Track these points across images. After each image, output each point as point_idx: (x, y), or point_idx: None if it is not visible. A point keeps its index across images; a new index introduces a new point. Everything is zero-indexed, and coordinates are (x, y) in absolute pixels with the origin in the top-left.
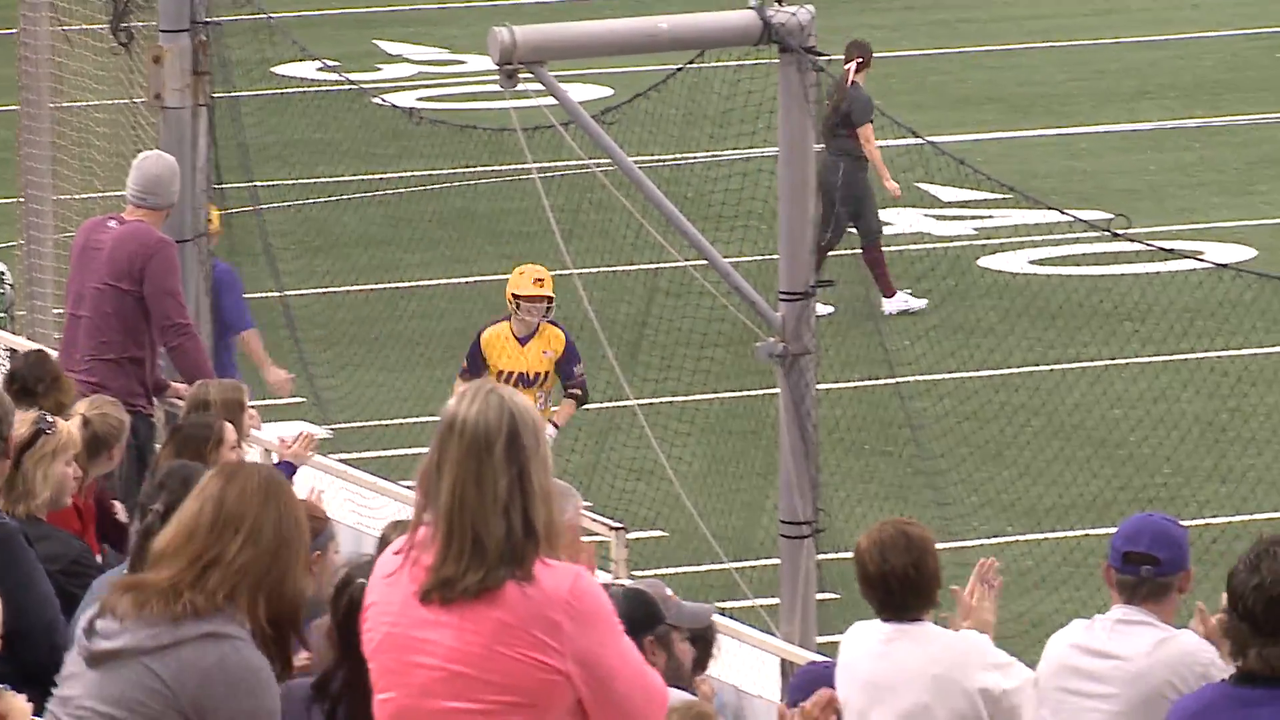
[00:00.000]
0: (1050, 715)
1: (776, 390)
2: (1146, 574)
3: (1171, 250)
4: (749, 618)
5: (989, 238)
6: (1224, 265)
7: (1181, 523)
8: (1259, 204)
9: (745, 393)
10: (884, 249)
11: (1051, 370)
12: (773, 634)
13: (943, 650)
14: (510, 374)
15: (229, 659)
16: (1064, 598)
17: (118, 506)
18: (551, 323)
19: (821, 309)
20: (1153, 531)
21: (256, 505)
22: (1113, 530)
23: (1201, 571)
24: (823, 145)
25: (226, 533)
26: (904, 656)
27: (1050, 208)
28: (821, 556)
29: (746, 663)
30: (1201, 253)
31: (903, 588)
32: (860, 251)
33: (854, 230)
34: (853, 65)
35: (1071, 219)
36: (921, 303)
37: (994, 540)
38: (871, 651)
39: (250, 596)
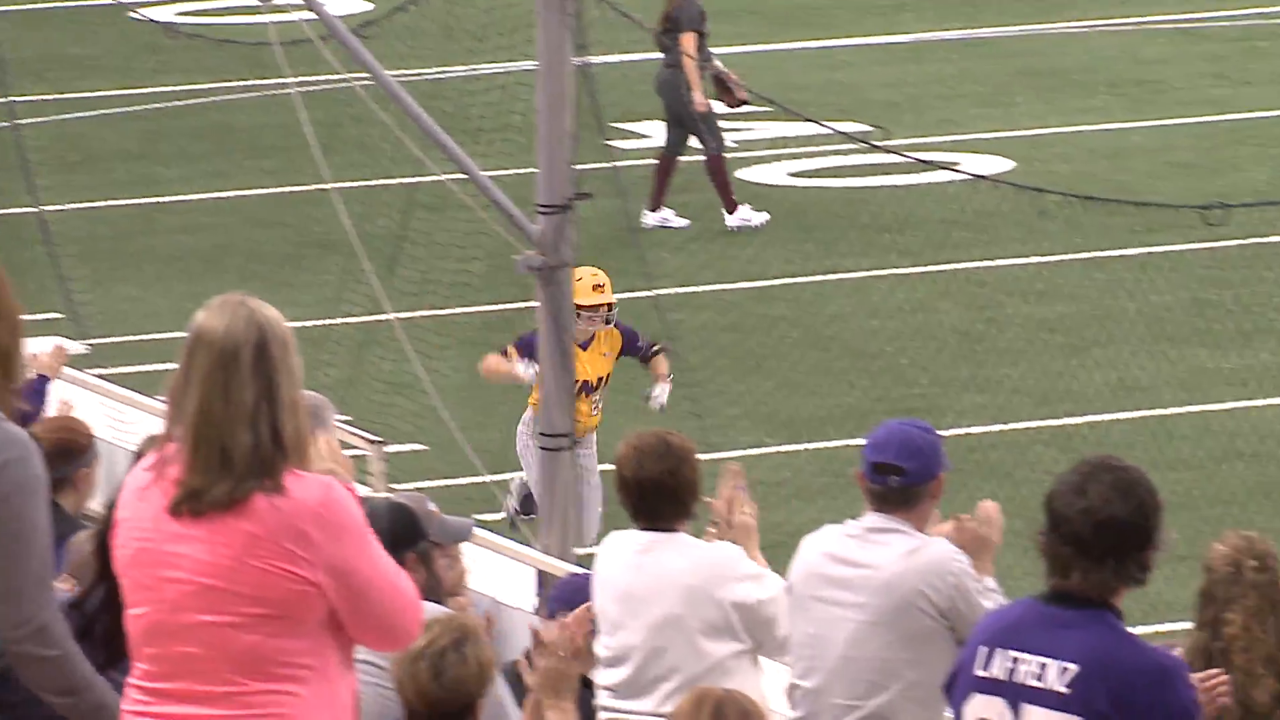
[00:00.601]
0: (804, 624)
1: (535, 303)
2: (895, 484)
3: (928, 162)
4: (508, 531)
5: (748, 150)
6: (981, 176)
7: (937, 431)
8: (1017, 116)
9: (504, 305)
10: (677, 160)
11: (810, 281)
12: (531, 547)
13: (696, 561)
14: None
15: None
16: (821, 507)
17: None
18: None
19: (678, 221)
20: (899, 442)
21: None
22: None
23: (959, 480)
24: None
25: None
26: (658, 567)
27: (809, 120)
28: None
29: (504, 574)
30: (958, 164)
31: (657, 494)
32: (705, 161)
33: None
34: None
35: (831, 131)
36: (684, 222)
37: (752, 451)
38: (628, 563)
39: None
